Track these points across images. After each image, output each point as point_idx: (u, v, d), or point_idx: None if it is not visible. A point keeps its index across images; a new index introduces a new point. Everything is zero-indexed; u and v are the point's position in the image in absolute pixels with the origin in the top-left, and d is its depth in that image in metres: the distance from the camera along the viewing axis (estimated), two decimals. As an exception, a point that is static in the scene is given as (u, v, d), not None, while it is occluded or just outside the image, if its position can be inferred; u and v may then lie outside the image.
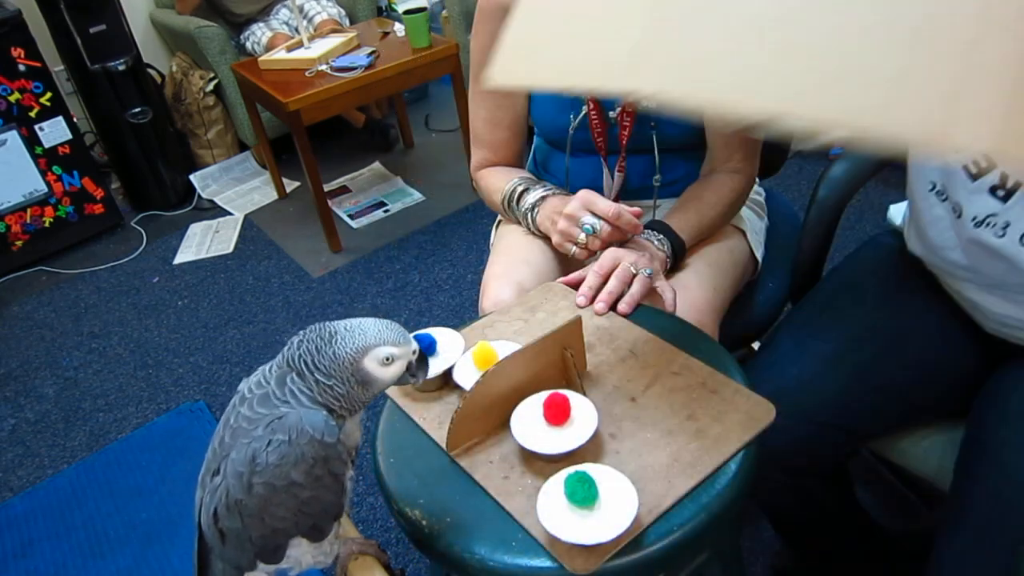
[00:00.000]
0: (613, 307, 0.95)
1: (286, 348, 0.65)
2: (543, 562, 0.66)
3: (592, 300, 0.96)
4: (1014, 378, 0.86)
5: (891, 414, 0.98)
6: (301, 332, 0.65)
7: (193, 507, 0.71)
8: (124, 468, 1.89)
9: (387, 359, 0.65)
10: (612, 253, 0.98)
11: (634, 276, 0.96)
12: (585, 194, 1.02)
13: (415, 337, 0.85)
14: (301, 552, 0.71)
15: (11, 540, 1.74)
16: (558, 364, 0.81)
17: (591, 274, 0.98)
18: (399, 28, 2.72)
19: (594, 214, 1.00)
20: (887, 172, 1.29)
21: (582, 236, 1.01)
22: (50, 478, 1.90)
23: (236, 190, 3.20)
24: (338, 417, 0.66)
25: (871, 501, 1.47)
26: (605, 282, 0.96)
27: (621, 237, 1.02)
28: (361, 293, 2.42)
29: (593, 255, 1.03)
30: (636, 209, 1.02)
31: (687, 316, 0.99)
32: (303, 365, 0.64)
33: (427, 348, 0.85)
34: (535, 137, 1.30)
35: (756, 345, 1.40)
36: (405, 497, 0.75)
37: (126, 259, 2.85)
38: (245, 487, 0.63)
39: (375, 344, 0.64)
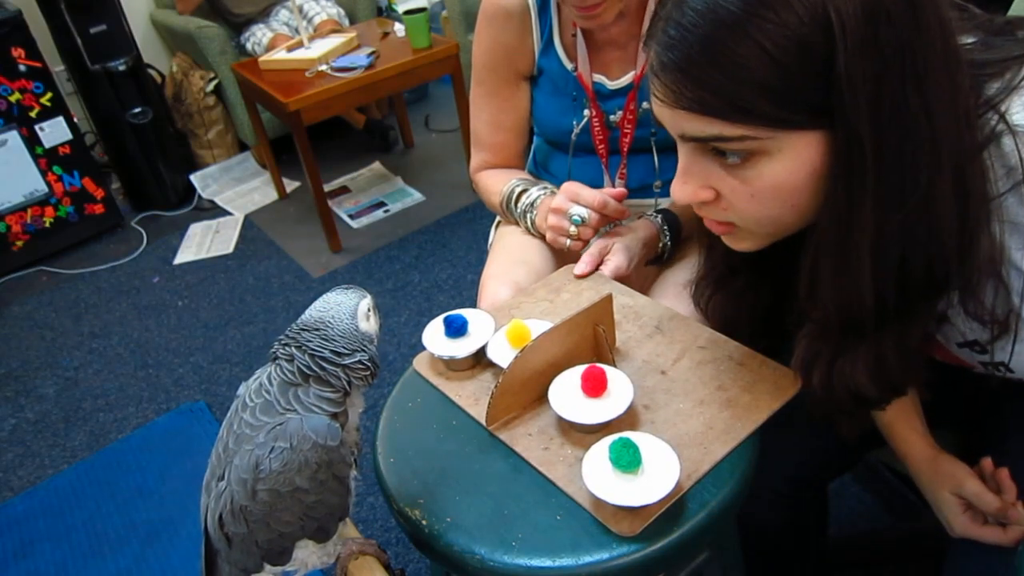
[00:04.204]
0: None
1: (285, 362, 0.66)
2: (543, 562, 0.66)
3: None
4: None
5: None
6: (284, 343, 0.66)
7: (196, 509, 0.71)
8: (124, 468, 1.89)
9: (368, 312, 0.69)
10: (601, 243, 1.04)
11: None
12: (569, 186, 1.05)
13: (446, 319, 0.88)
14: (307, 554, 0.71)
15: (11, 540, 1.74)
16: (590, 340, 0.83)
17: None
18: (399, 28, 2.72)
19: (580, 203, 1.03)
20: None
21: (572, 228, 1.03)
22: (50, 478, 1.90)
23: (236, 190, 3.20)
24: (342, 414, 0.66)
25: (871, 501, 1.47)
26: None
27: (608, 223, 1.06)
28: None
29: (586, 245, 1.06)
30: (620, 190, 1.05)
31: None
32: (322, 364, 0.64)
33: (459, 328, 0.88)
34: (535, 137, 1.31)
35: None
36: (405, 497, 0.75)
37: (126, 259, 2.85)
38: (249, 494, 0.63)
39: (355, 305, 0.68)
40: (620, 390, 0.77)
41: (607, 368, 0.78)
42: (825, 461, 0.98)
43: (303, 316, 0.68)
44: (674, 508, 0.69)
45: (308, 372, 0.64)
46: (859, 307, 0.62)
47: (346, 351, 0.65)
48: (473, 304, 1.10)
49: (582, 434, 0.77)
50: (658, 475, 0.67)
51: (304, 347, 0.64)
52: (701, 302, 0.87)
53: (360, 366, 0.66)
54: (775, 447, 0.93)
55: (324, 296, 0.69)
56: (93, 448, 1.98)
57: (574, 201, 1.03)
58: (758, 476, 0.75)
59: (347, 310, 0.67)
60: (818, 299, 0.65)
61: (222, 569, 0.72)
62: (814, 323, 0.69)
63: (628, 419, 0.77)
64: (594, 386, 0.76)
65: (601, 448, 0.70)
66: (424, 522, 0.72)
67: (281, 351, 0.66)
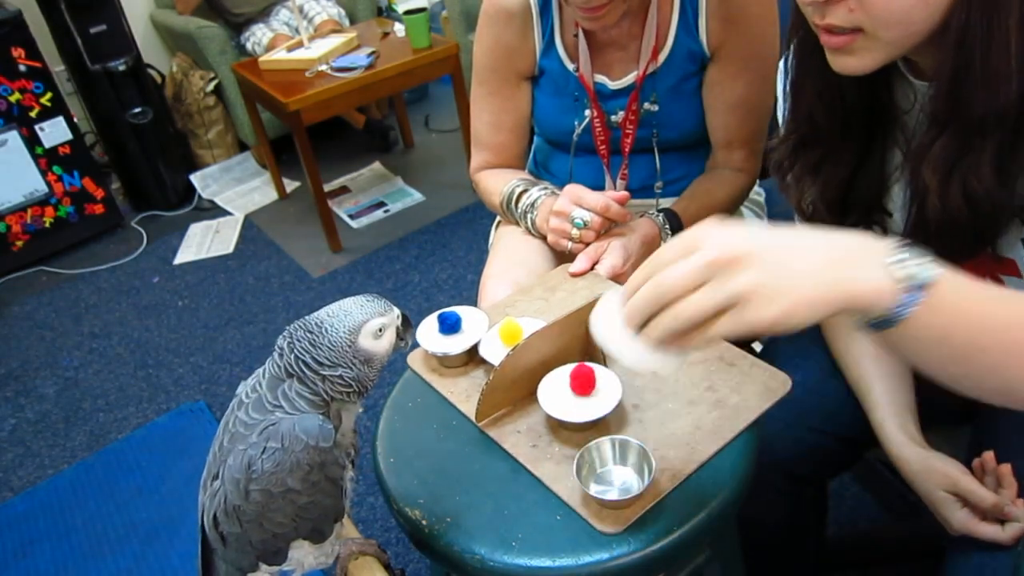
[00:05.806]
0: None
1: (277, 355, 0.65)
2: (543, 562, 0.66)
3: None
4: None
5: None
6: (284, 335, 0.65)
7: (195, 507, 0.71)
8: (124, 468, 1.89)
9: (379, 331, 0.66)
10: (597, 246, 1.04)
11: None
12: (572, 189, 1.05)
13: (440, 316, 0.87)
14: (303, 554, 0.71)
15: (11, 540, 1.74)
16: (582, 339, 0.83)
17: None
18: (399, 28, 2.72)
19: (583, 207, 1.03)
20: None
21: (575, 231, 1.03)
22: (50, 478, 1.90)
23: (236, 190, 3.20)
24: (334, 417, 0.66)
25: (871, 501, 1.47)
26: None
27: (610, 226, 1.05)
28: (361, 293, 2.42)
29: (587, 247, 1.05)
30: (623, 194, 1.04)
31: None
32: (303, 367, 0.63)
33: (453, 325, 0.88)
34: (535, 137, 1.31)
35: (757, 346, 1.39)
36: (405, 497, 0.75)
37: (126, 259, 2.85)
38: (242, 494, 0.63)
39: (364, 320, 0.65)
40: (609, 389, 0.77)
41: (596, 367, 0.78)
42: (824, 459, 0.98)
43: (314, 313, 0.66)
44: (674, 508, 0.69)
45: (291, 371, 0.64)
46: (1003, 94, 0.61)
47: (328, 363, 0.63)
48: (473, 304, 1.10)
49: (571, 432, 0.77)
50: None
51: (294, 345, 0.64)
52: (781, 179, 0.85)
53: (341, 382, 0.64)
54: (774, 445, 0.93)
55: (344, 300, 0.66)
56: (93, 448, 1.98)
57: (576, 204, 1.03)
58: (758, 475, 0.75)
59: (350, 322, 0.64)
60: (960, 91, 0.63)
61: (219, 568, 0.72)
62: (948, 123, 0.68)
63: (617, 418, 0.77)
64: (582, 384, 0.76)
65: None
66: (424, 522, 0.72)
67: (278, 343, 0.66)
